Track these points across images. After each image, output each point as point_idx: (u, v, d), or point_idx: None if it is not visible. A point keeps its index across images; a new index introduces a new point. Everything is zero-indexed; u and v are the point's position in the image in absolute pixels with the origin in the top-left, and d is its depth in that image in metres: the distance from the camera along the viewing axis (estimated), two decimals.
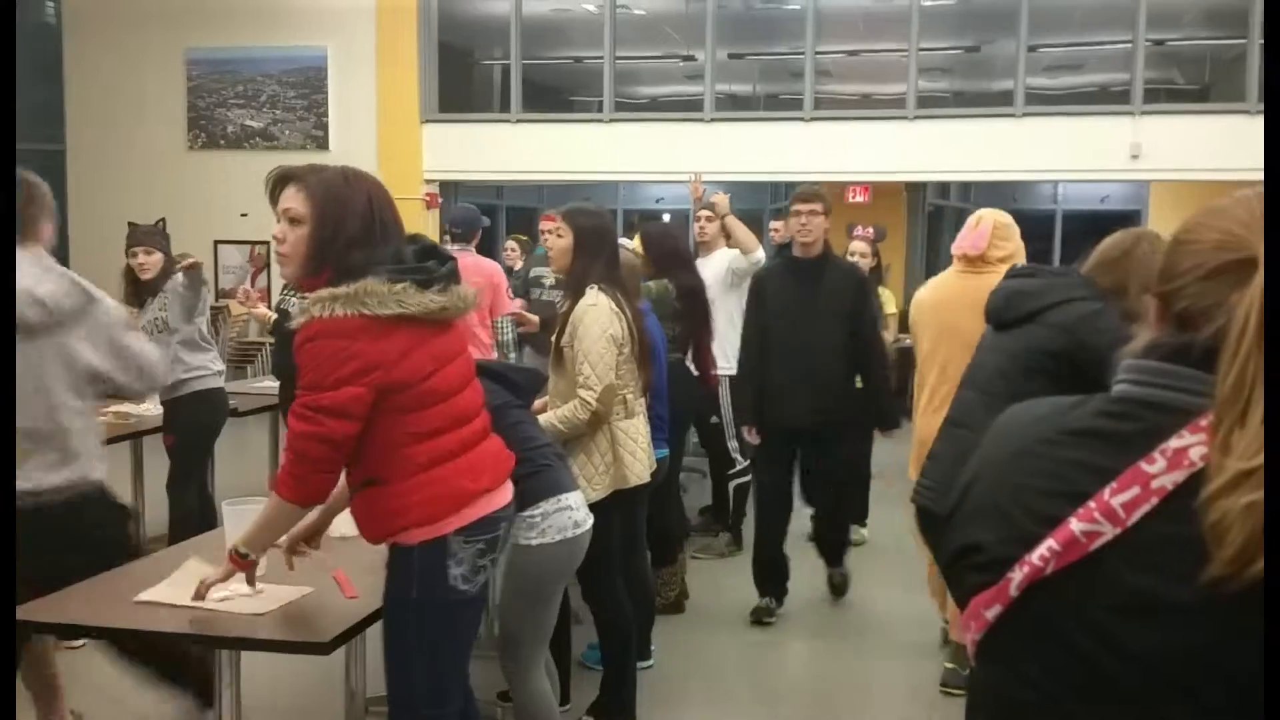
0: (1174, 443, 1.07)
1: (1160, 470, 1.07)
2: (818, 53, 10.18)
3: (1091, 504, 1.10)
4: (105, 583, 2.65)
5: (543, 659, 3.07)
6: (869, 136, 10.02)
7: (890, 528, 5.89)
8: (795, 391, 4.47)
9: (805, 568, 4.97)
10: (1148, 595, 1.06)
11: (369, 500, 2.25)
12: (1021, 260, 3.66)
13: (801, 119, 10.05)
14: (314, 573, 2.59)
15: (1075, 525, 1.10)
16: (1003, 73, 10.65)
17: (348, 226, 2.19)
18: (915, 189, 11.84)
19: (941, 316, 3.79)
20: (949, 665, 3.99)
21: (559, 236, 3.47)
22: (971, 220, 3.87)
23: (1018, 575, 1.13)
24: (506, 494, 2.41)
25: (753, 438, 4.62)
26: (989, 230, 3.74)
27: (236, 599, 2.42)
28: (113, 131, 10.95)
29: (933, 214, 12.58)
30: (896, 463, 5.67)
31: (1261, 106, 10.66)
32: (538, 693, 3.00)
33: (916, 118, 9.89)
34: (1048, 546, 1.11)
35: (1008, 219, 3.84)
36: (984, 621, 1.19)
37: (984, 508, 1.24)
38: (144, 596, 2.46)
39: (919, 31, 9.88)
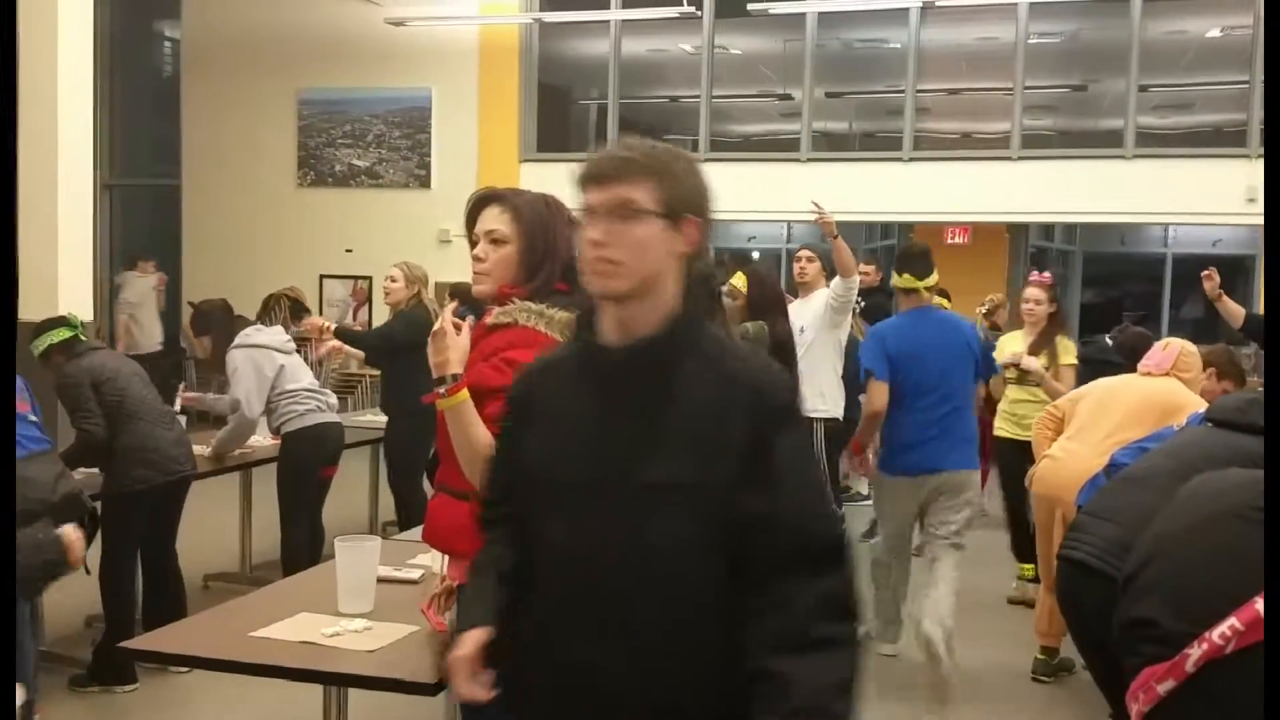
0: None
1: None
2: (918, 91, 10.08)
3: None
4: (222, 615, 2.71)
5: None
6: (970, 176, 9.85)
7: (985, 581, 5.72)
8: (597, 667, 1.59)
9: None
10: None
11: (455, 510, 2.22)
12: (1198, 387, 4.14)
13: (900, 158, 9.94)
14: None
15: (1260, 605, 1.06)
16: (1110, 111, 10.40)
17: (558, 250, 2.25)
18: (1018, 230, 11.60)
19: (1109, 390, 4.27)
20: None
21: None
22: (1160, 344, 4.32)
23: (1195, 652, 1.11)
24: None
25: None
26: (1174, 355, 4.16)
27: (347, 635, 2.45)
28: (226, 168, 11.38)
29: (1035, 256, 12.29)
30: None
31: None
32: None
33: (1020, 158, 9.71)
34: (1229, 625, 1.08)
35: (1193, 349, 4.26)
36: (1154, 694, 1.16)
37: (1162, 582, 1.20)
38: (259, 634, 2.50)
39: (1024, 69, 9.72)
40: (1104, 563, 2.76)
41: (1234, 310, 5.69)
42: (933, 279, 4.41)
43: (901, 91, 10.02)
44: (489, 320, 2.23)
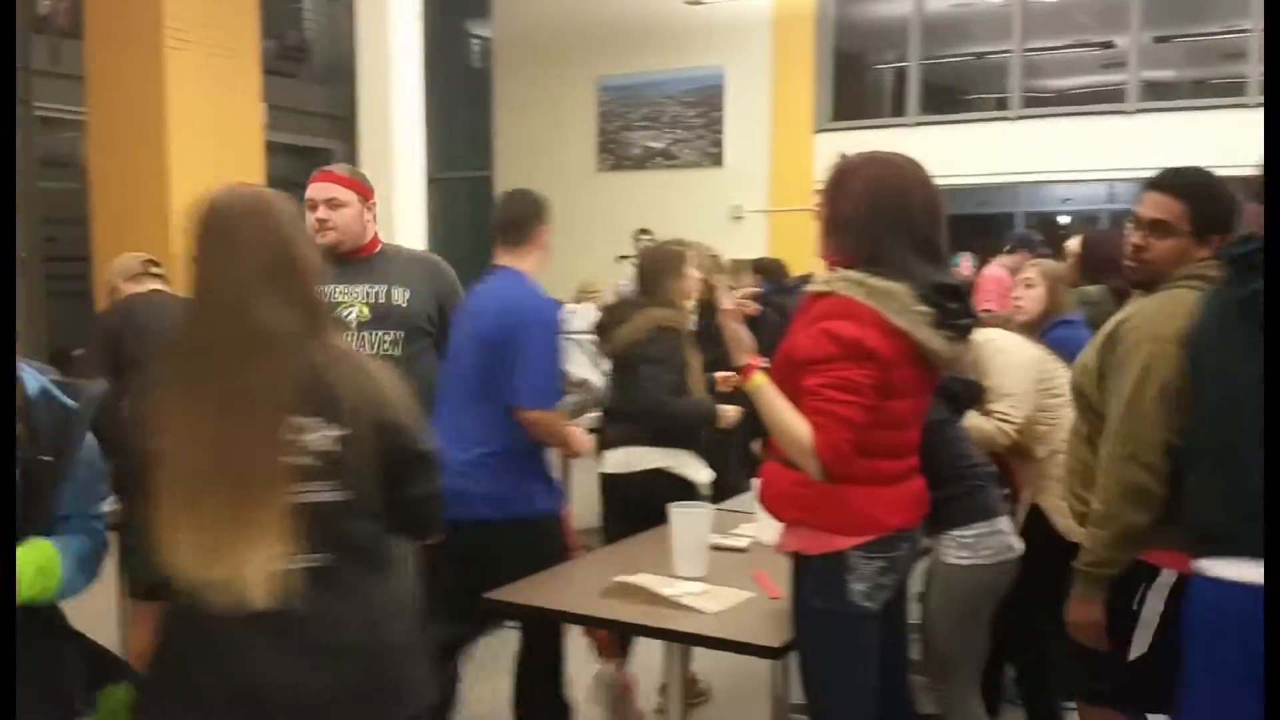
0: None
1: None
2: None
3: None
4: (576, 568, 2.84)
5: (978, 684, 2.88)
6: None
7: None
8: None
9: None
10: None
11: (782, 477, 2.21)
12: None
13: (1245, 105, 8.90)
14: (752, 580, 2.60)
15: None
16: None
17: (843, 210, 2.26)
18: None
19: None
20: None
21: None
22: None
23: None
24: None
25: None
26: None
27: (687, 596, 2.47)
28: (533, 157, 11.97)
29: None
30: None
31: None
32: (975, 718, 2.82)
33: None
34: None
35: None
36: None
37: None
38: (620, 579, 2.54)
39: None
40: None
41: None
42: None
43: (1243, 31, 8.95)
44: (813, 289, 2.23)
